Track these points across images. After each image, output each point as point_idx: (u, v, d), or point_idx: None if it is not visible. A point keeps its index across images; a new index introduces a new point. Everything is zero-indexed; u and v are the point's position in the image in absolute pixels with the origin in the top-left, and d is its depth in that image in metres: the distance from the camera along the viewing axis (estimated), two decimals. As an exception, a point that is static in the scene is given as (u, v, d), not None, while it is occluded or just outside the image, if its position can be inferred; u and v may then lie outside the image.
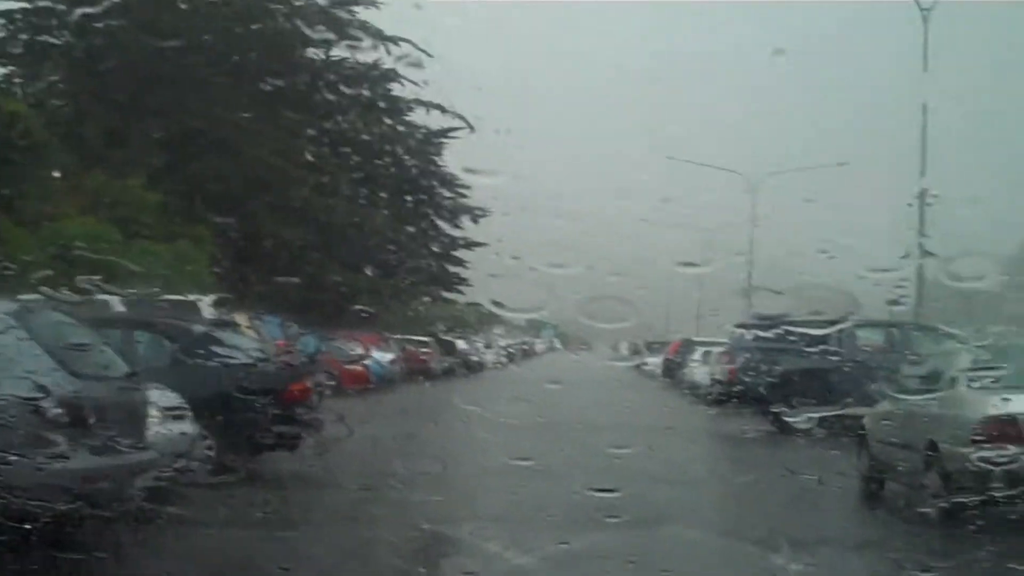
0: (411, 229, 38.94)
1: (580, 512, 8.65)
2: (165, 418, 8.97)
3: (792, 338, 16.53)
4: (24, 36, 31.59)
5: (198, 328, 11.56)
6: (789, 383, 17.34)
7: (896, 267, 9.21)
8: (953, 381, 9.62)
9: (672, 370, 34.81)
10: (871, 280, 9.01)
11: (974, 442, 8.41)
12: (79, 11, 29.18)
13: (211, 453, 10.16)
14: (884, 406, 11.07)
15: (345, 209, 34.87)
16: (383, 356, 29.87)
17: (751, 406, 18.53)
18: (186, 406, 9.52)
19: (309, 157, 32.33)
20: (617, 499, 8.21)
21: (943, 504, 8.36)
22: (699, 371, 27.49)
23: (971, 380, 9.33)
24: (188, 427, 9.53)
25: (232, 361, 10.54)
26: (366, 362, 28.29)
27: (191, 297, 14.73)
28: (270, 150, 31.85)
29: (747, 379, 18.25)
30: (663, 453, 11.39)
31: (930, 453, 9.09)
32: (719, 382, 21.97)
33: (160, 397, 9.06)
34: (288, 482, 10.85)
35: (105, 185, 27.53)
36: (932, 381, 10.29)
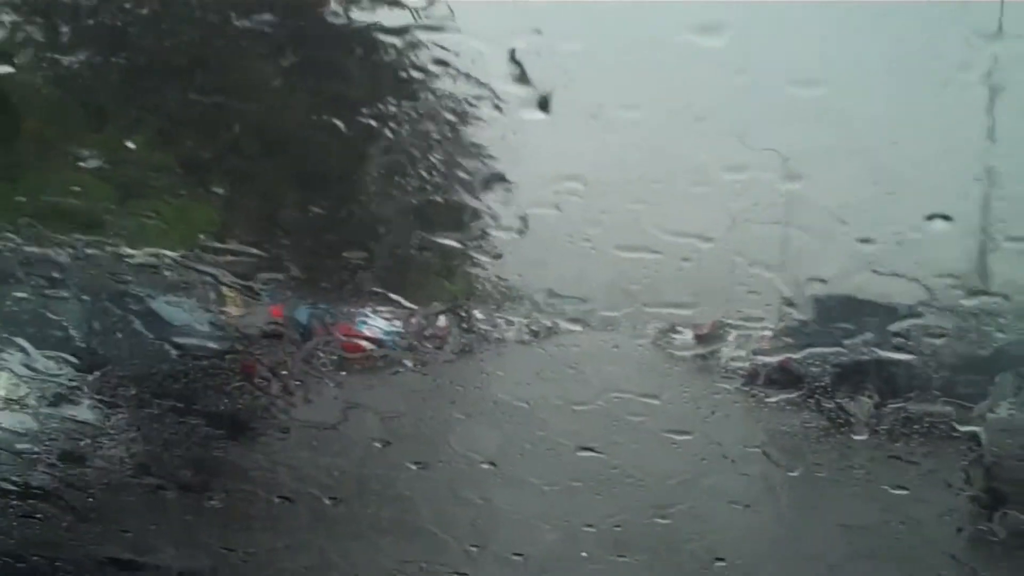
0: (436, 201, 36.94)
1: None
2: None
3: (857, 323, 14.35)
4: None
5: (123, 288, 9.27)
6: (856, 373, 15.14)
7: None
8: None
9: (704, 353, 32.81)
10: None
11: None
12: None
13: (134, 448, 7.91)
14: (1005, 409, 8.85)
15: (371, 180, 33.01)
16: (394, 329, 28.04)
17: (805, 396, 16.26)
18: (82, 386, 7.25)
19: (339, 124, 30.54)
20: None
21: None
22: (735, 355, 25.56)
23: None
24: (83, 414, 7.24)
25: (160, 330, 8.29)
26: (377, 336, 26.67)
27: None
28: (294, 120, 30.17)
29: (802, 366, 15.97)
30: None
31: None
32: (762, 368, 19.79)
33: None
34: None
35: (106, 143, 26.19)
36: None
